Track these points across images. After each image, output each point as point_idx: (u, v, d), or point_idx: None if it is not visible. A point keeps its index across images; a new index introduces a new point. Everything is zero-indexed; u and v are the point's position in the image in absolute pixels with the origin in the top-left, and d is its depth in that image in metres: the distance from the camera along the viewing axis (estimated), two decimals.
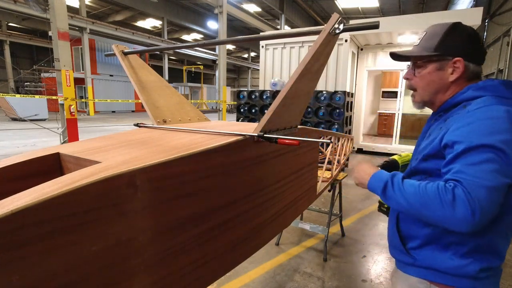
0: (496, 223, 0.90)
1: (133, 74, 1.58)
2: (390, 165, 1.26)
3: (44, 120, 13.53)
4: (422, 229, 1.02)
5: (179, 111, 1.67)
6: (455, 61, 1.00)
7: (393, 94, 9.15)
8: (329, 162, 2.52)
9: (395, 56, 1.12)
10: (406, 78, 1.13)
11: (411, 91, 1.15)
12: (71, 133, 6.89)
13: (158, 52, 23.56)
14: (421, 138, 1.15)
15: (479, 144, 0.83)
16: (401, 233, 1.10)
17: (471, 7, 14.99)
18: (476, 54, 1.01)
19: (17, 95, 8.83)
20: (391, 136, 8.51)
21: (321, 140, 1.07)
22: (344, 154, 2.86)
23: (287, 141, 1.02)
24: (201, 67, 24.33)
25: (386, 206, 1.31)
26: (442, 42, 1.01)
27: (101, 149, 0.96)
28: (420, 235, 1.03)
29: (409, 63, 1.13)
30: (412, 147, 1.24)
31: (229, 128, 1.34)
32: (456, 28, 1.01)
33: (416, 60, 1.07)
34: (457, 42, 1.00)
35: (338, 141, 2.71)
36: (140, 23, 24.51)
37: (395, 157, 1.29)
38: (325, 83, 6.97)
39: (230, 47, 30.73)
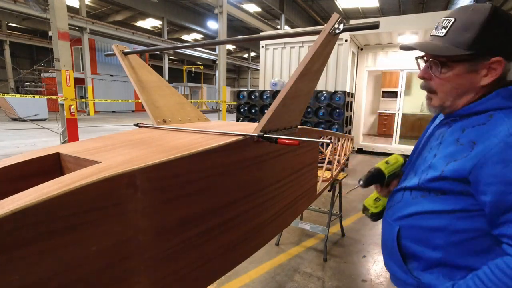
0: None
1: (133, 74, 1.58)
2: (375, 177, 1.07)
3: (44, 120, 13.53)
4: (431, 251, 0.87)
5: (179, 111, 1.67)
6: (493, 62, 0.78)
7: (393, 94, 9.15)
8: (329, 162, 2.52)
9: (408, 48, 0.90)
10: (422, 77, 0.90)
11: (425, 91, 0.93)
12: (71, 133, 6.88)
13: (158, 52, 23.55)
14: (424, 142, 0.98)
15: None
16: (403, 250, 0.95)
17: None
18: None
19: (17, 95, 8.83)
20: (391, 136, 8.51)
21: (321, 140, 1.07)
22: (344, 154, 2.86)
23: (287, 141, 1.02)
24: (201, 67, 24.33)
25: (371, 211, 1.15)
26: (480, 36, 0.76)
27: (101, 149, 0.96)
28: (427, 257, 0.89)
29: (420, 53, 0.90)
30: (412, 147, 1.14)
31: (229, 128, 1.34)
32: (497, 17, 0.76)
33: (446, 59, 0.82)
34: (499, 37, 0.76)
35: (338, 141, 2.71)
36: (140, 23, 24.51)
37: (380, 165, 1.08)
38: (325, 83, 6.97)
39: (230, 47, 30.73)
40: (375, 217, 1.15)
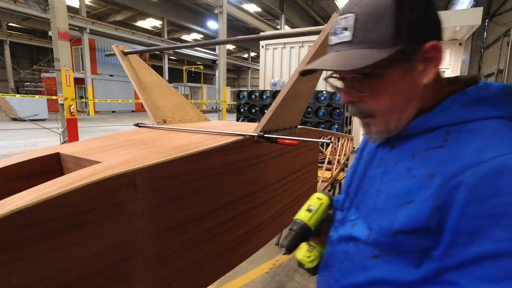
0: None
1: (133, 74, 1.58)
2: (301, 235, 0.79)
3: (44, 120, 13.53)
4: None
5: (179, 111, 1.67)
6: (428, 49, 0.56)
7: None
8: (329, 162, 2.52)
9: (311, 71, 0.66)
10: (350, 101, 0.64)
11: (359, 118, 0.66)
12: (71, 133, 6.88)
13: (158, 52, 23.57)
14: (361, 168, 0.72)
15: None
16: None
17: (471, 7, 15.00)
18: (440, 27, 0.59)
19: (17, 95, 8.85)
20: None
21: (321, 140, 1.07)
22: (344, 154, 2.86)
23: (287, 141, 1.02)
24: (201, 67, 24.36)
25: (307, 267, 0.86)
26: (400, 22, 0.55)
27: (101, 149, 0.96)
28: None
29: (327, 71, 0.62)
30: None
31: (229, 128, 1.34)
32: None
33: (371, 68, 0.57)
34: (421, 13, 0.56)
35: (338, 141, 2.72)
36: (140, 23, 24.52)
37: (302, 216, 0.81)
38: (325, 83, 6.95)
39: (230, 47, 30.73)
40: (313, 271, 0.87)
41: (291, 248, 0.79)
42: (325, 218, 0.84)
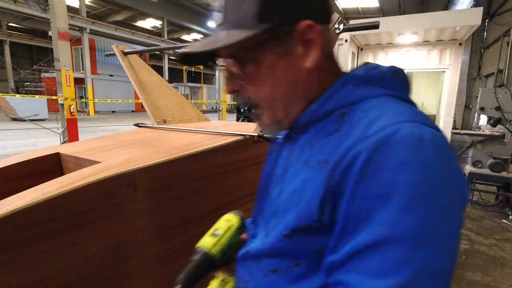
0: None
1: (133, 74, 1.58)
2: (202, 267, 0.64)
3: (44, 120, 13.53)
4: None
5: (179, 111, 1.67)
6: (302, 30, 0.50)
7: None
8: None
9: (186, 58, 0.59)
10: (233, 91, 0.59)
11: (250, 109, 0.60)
12: (71, 133, 6.88)
13: (158, 52, 23.58)
14: (267, 172, 0.63)
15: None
16: None
17: (471, 7, 15.01)
18: (325, 10, 0.54)
19: (17, 95, 8.85)
20: None
21: None
22: None
23: None
24: (201, 67, 24.35)
25: None
26: (265, 0, 0.49)
27: (101, 149, 0.96)
28: None
29: (220, 60, 0.60)
30: None
31: (229, 128, 1.34)
32: None
33: (244, 51, 0.52)
34: None
35: None
36: (140, 23, 24.53)
37: (205, 242, 0.67)
38: None
39: None
40: None
41: (188, 283, 0.62)
42: (236, 243, 0.68)
